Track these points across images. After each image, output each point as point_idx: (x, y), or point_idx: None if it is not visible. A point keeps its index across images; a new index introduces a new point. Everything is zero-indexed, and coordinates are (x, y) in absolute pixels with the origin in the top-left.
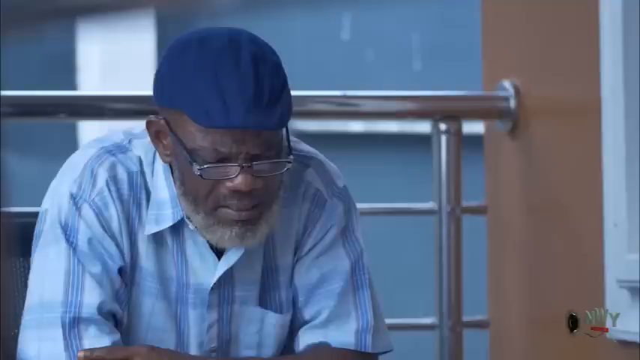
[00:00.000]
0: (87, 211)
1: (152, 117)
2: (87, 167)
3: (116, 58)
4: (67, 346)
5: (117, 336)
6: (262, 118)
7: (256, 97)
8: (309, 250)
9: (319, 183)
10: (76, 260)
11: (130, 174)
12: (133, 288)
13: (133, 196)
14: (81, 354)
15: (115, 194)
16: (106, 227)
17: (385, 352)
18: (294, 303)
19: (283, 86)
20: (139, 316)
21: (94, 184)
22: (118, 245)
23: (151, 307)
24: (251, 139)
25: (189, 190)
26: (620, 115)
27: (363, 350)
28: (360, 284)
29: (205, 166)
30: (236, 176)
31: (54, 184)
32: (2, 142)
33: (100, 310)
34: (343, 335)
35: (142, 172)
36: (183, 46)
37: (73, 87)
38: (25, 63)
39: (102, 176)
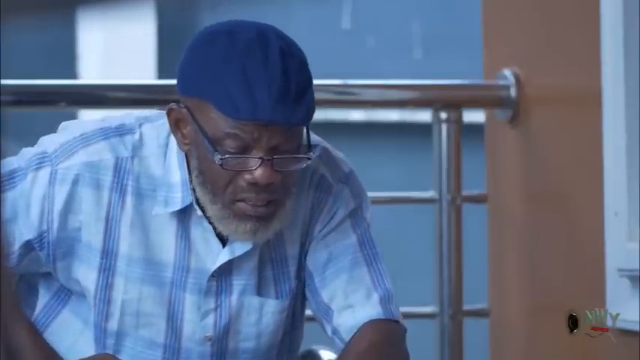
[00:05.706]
0: (43, 173)
1: (173, 105)
2: (74, 141)
3: (117, 47)
4: None
5: None
6: (289, 114)
7: (283, 92)
8: (318, 233)
9: (324, 169)
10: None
11: (117, 159)
12: (112, 274)
13: (118, 182)
14: None
15: (87, 180)
16: (49, 198)
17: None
18: (309, 287)
19: (309, 82)
20: (128, 302)
21: (68, 158)
22: (48, 222)
23: (138, 293)
24: (274, 133)
25: (208, 179)
26: (621, 103)
27: (391, 318)
28: (373, 258)
29: (227, 156)
30: (256, 168)
31: (44, 137)
32: (3, 130)
33: None
34: (369, 309)
35: (136, 157)
36: (211, 37)
37: (74, 76)
38: (26, 52)
39: (80, 157)
